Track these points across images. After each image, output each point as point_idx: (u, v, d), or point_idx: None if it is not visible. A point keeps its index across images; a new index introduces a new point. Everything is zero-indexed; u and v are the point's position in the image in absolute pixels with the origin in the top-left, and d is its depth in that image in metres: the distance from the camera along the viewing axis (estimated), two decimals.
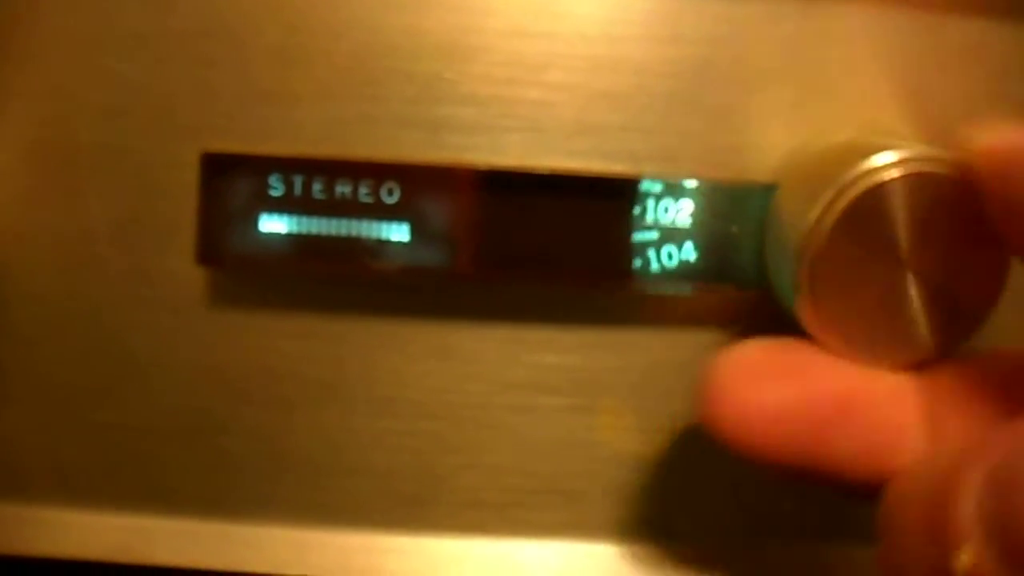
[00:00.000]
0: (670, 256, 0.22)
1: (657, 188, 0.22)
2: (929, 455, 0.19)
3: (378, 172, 0.21)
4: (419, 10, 0.22)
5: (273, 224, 0.21)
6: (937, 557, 0.16)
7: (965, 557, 0.15)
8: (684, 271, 0.22)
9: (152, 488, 0.24)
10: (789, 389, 0.20)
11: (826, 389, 0.20)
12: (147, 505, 0.24)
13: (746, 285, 0.22)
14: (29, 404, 0.23)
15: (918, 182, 0.19)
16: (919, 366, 0.20)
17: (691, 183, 0.22)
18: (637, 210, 0.22)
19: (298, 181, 0.21)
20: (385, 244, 0.21)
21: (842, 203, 0.19)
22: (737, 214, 0.22)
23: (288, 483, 0.24)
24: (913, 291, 0.20)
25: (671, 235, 0.22)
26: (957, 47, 0.23)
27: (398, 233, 0.21)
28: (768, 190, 0.22)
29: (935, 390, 0.20)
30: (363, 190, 0.21)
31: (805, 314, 0.20)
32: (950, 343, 0.20)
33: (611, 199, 0.22)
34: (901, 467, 0.19)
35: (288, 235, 0.21)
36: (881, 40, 0.22)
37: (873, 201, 0.19)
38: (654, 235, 0.22)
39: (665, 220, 0.22)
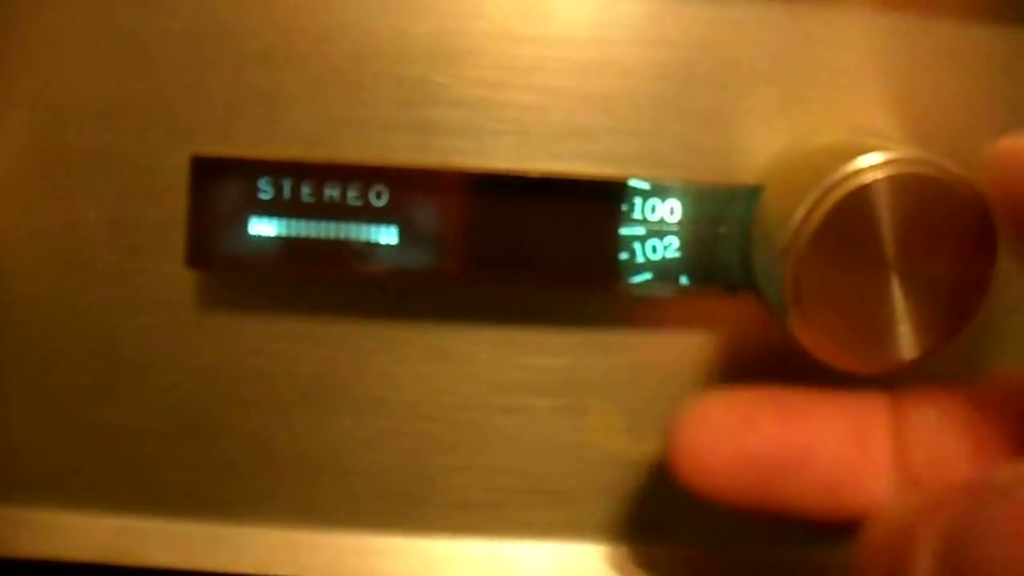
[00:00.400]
0: (657, 258, 0.22)
1: (644, 190, 0.22)
2: (894, 501, 0.19)
3: (367, 175, 0.21)
4: (408, 14, 0.22)
5: (262, 227, 0.21)
6: None
7: None
8: (671, 273, 0.22)
9: (145, 489, 0.24)
10: (745, 440, 0.21)
11: (782, 439, 0.21)
12: (140, 506, 0.24)
13: (733, 286, 0.22)
14: (22, 405, 0.23)
15: (903, 184, 0.19)
16: (904, 367, 0.20)
17: (678, 185, 0.22)
18: (625, 212, 0.22)
19: (287, 184, 0.21)
20: (374, 247, 0.22)
21: (827, 204, 0.19)
22: (723, 216, 0.22)
23: (281, 484, 0.24)
24: (898, 292, 0.20)
25: (658, 237, 0.22)
26: (942, 50, 0.23)
27: (387, 236, 0.22)
28: (754, 192, 0.22)
29: (901, 424, 0.21)
30: (352, 193, 0.21)
31: (790, 315, 0.20)
32: (936, 344, 0.20)
33: (599, 201, 0.22)
34: (864, 506, 0.20)
35: (277, 238, 0.21)
36: (867, 43, 0.23)
37: (858, 202, 0.19)
38: (642, 237, 0.22)
39: (652, 222, 0.22)
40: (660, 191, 0.22)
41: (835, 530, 0.20)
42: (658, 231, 0.22)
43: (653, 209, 0.22)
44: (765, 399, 0.21)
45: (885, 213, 0.19)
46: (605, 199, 0.22)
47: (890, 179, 0.19)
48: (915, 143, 0.21)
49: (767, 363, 0.23)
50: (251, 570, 0.24)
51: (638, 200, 0.22)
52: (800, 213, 0.19)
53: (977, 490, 0.16)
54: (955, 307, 0.20)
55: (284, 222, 0.21)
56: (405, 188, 0.21)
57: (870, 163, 0.19)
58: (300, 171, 0.21)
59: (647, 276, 0.22)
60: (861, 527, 0.18)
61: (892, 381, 0.21)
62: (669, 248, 0.22)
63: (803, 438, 0.21)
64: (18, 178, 0.22)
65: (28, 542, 0.24)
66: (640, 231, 0.22)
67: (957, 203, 0.19)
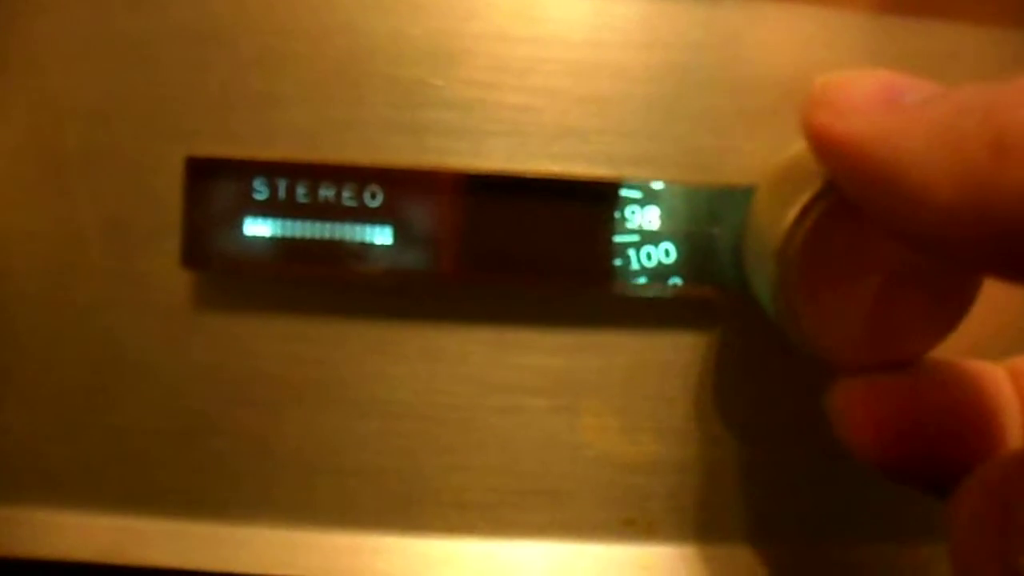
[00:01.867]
0: (651, 258, 0.22)
1: (638, 191, 0.22)
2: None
3: (361, 176, 0.21)
4: (403, 15, 0.22)
5: (257, 227, 0.22)
6: (1007, 555, 0.16)
7: None
8: (664, 273, 0.22)
9: (142, 489, 0.24)
10: (912, 403, 0.20)
11: (947, 404, 0.20)
12: (137, 506, 0.24)
13: (726, 286, 0.22)
14: (19, 406, 0.24)
15: None
16: (896, 367, 0.21)
17: (671, 186, 0.22)
18: (618, 213, 0.22)
19: (282, 185, 0.21)
20: (368, 247, 0.22)
21: (820, 206, 0.19)
22: (717, 216, 0.22)
23: (277, 484, 0.24)
24: (890, 293, 0.20)
25: (652, 237, 0.22)
26: (935, 51, 0.23)
27: (381, 236, 0.22)
28: (747, 193, 0.22)
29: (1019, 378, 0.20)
30: (346, 194, 0.21)
31: (783, 315, 0.20)
32: (927, 343, 0.20)
33: (592, 202, 0.22)
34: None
35: (272, 238, 0.22)
36: (859, 44, 0.23)
37: (850, 204, 0.19)
38: (635, 237, 0.22)
39: (646, 222, 0.22)
40: (653, 192, 0.22)
41: None
42: (651, 232, 0.22)
43: (646, 210, 0.22)
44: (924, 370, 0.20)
45: None
46: (599, 200, 0.22)
47: None
48: None
49: (761, 363, 0.23)
50: (247, 570, 0.24)
51: (631, 201, 0.22)
52: (793, 214, 0.19)
53: None
54: (947, 306, 0.20)
55: (279, 222, 0.22)
56: (399, 189, 0.21)
57: None
58: (295, 171, 0.21)
59: (641, 276, 0.22)
60: (958, 488, 0.18)
61: None
62: (663, 248, 0.22)
63: (966, 401, 0.20)
64: (15, 178, 0.23)
65: (25, 542, 0.24)
66: (634, 232, 0.22)
67: None
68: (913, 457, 0.20)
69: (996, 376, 0.21)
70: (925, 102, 0.16)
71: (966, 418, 0.20)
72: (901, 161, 0.15)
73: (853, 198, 0.17)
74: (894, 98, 0.16)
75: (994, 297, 0.21)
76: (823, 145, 0.17)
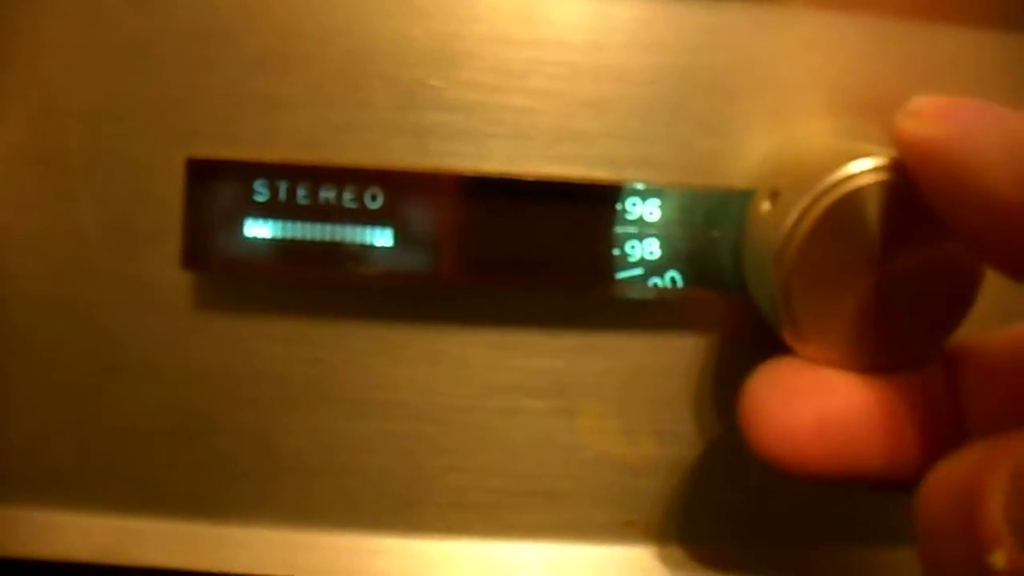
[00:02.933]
0: (651, 261, 0.22)
1: (638, 194, 0.22)
2: (953, 457, 0.18)
3: (362, 178, 0.21)
4: (405, 17, 0.22)
5: (258, 229, 0.22)
6: (974, 555, 0.16)
7: (999, 557, 0.15)
8: (664, 275, 0.22)
9: (142, 490, 0.24)
10: (827, 402, 0.20)
11: (861, 397, 0.20)
12: (137, 507, 0.24)
13: (726, 289, 0.22)
14: (19, 406, 0.24)
15: (894, 188, 0.19)
16: (894, 369, 0.21)
17: (672, 189, 0.22)
18: (619, 215, 0.22)
19: (283, 186, 0.21)
20: (369, 249, 0.22)
21: (819, 209, 0.19)
22: (717, 219, 0.22)
23: (277, 484, 0.24)
24: (889, 296, 0.20)
25: (652, 240, 0.22)
26: (934, 56, 0.23)
27: (382, 238, 0.22)
28: (747, 196, 0.22)
29: (962, 375, 0.21)
30: (347, 195, 0.21)
31: (782, 319, 0.20)
32: (926, 347, 0.21)
33: (593, 205, 0.22)
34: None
35: (273, 240, 0.22)
36: (858, 48, 0.23)
37: (849, 207, 0.19)
38: (635, 240, 0.22)
39: (646, 225, 0.22)
40: (654, 194, 0.22)
41: (908, 491, 0.19)
42: (652, 234, 0.22)
43: (647, 213, 0.22)
44: None
45: (876, 217, 0.19)
46: (599, 202, 0.22)
47: (881, 184, 0.19)
48: None
49: (759, 365, 0.23)
50: (247, 570, 0.24)
51: (632, 203, 0.22)
52: (792, 217, 0.20)
53: None
54: (944, 309, 0.20)
55: (280, 224, 0.22)
56: (400, 190, 0.22)
57: (861, 168, 0.19)
58: (296, 173, 0.21)
59: (640, 279, 0.22)
60: (918, 489, 0.18)
61: None
62: (662, 251, 0.22)
63: (881, 396, 0.20)
64: (17, 179, 0.23)
65: (25, 542, 0.24)
66: (634, 234, 0.22)
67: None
68: (828, 459, 0.20)
69: (929, 381, 0.21)
70: (1005, 115, 0.18)
71: (885, 421, 0.20)
72: (975, 161, 0.17)
73: (928, 194, 0.19)
74: (979, 111, 0.18)
75: (994, 299, 0.21)
76: (908, 141, 0.19)
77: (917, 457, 0.20)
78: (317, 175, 0.21)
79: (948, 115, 0.18)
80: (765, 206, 0.21)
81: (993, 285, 0.20)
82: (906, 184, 0.19)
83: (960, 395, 0.21)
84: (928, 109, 0.19)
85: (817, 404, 0.20)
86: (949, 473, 0.18)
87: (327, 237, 0.22)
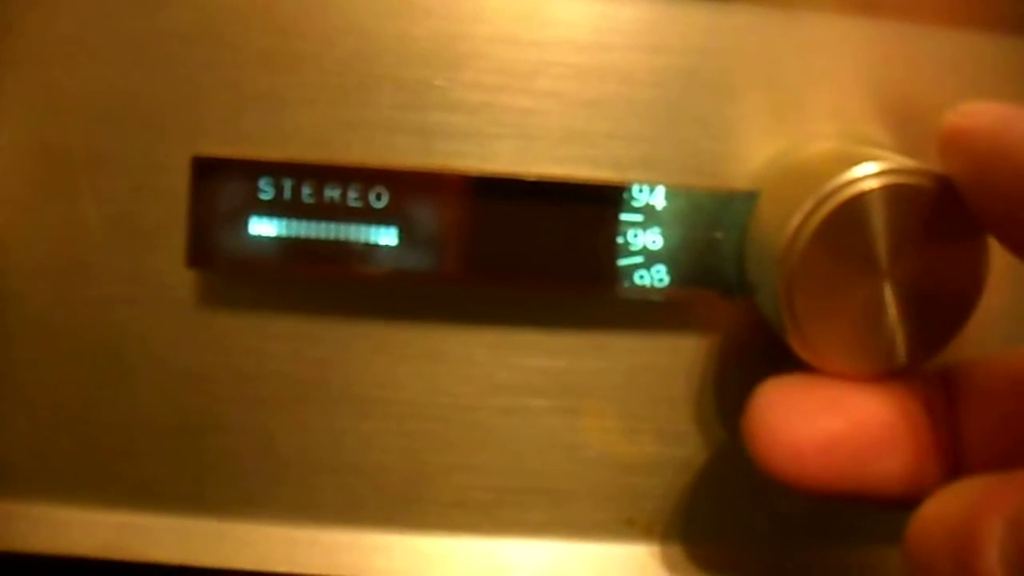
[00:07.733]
0: (654, 261, 0.22)
1: (642, 194, 0.22)
2: (949, 488, 0.18)
3: (367, 177, 0.22)
4: (410, 17, 0.22)
5: (263, 227, 0.22)
6: None
7: None
8: (667, 276, 0.22)
9: (143, 486, 0.24)
10: (834, 421, 0.20)
11: (868, 417, 0.20)
12: (138, 502, 0.24)
13: (728, 291, 0.22)
14: (21, 402, 0.24)
15: (897, 193, 0.19)
16: (896, 373, 0.21)
17: (676, 190, 0.22)
18: (622, 216, 0.22)
19: (288, 185, 0.21)
20: (373, 248, 0.22)
21: (822, 212, 0.19)
22: (720, 221, 0.22)
23: (279, 481, 0.24)
24: (891, 300, 0.20)
25: (655, 241, 0.22)
26: (936, 58, 0.23)
27: (386, 237, 0.22)
28: (750, 197, 0.22)
29: (962, 397, 0.21)
30: (352, 194, 0.22)
31: (784, 321, 0.20)
32: (928, 352, 0.21)
33: (597, 205, 0.22)
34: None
35: (277, 238, 0.22)
36: (862, 51, 0.23)
37: (853, 211, 0.19)
38: (639, 241, 0.22)
39: (650, 226, 0.22)
40: (658, 195, 0.22)
41: (911, 509, 0.19)
42: (655, 235, 0.22)
43: (650, 213, 0.22)
44: (839, 380, 0.21)
45: (879, 222, 0.20)
46: (603, 203, 0.22)
47: (884, 188, 0.19)
48: (910, 152, 0.21)
49: (761, 367, 0.23)
50: (249, 566, 0.24)
51: (636, 204, 0.22)
52: (795, 221, 0.20)
53: None
54: (948, 313, 0.20)
55: (284, 222, 0.22)
56: (405, 190, 0.22)
57: (865, 172, 0.19)
58: (300, 172, 0.21)
59: (643, 279, 0.22)
60: (913, 517, 0.18)
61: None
62: (666, 252, 0.22)
63: (887, 418, 0.20)
64: (20, 177, 0.23)
65: (26, 537, 0.24)
66: (637, 235, 0.22)
67: (950, 212, 0.19)
68: (835, 476, 0.20)
69: (931, 403, 0.21)
70: None
71: (892, 441, 0.20)
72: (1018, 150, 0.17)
73: (970, 188, 0.19)
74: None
75: (995, 303, 0.21)
76: (955, 132, 0.19)
77: (922, 477, 0.20)
78: (322, 174, 0.21)
79: (997, 109, 0.18)
80: (768, 209, 0.21)
81: (996, 303, 0.20)
82: (909, 189, 0.19)
83: (959, 416, 0.21)
84: (978, 107, 0.19)
85: (824, 423, 0.20)
86: (940, 511, 0.17)
87: (332, 236, 0.22)
